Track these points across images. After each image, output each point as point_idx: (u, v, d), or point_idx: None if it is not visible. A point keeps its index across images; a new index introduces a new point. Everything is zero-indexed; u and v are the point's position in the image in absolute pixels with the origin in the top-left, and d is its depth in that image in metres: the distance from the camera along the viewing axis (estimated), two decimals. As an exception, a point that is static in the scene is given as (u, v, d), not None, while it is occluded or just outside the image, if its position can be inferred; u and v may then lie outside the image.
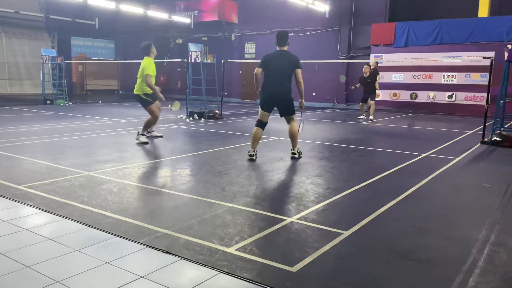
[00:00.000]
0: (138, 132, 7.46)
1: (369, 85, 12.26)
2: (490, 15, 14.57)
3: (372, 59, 15.80)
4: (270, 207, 3.82)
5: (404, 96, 15.69)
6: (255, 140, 6.07)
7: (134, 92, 7.44)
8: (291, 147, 6.27)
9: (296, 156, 6.20)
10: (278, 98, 6.01)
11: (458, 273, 2.58)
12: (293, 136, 6.17)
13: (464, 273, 2.58)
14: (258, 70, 5.95)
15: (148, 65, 7.19)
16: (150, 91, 7.30)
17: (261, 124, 6.07)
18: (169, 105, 9.31)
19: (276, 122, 10.56)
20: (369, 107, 12.39)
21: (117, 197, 4.07)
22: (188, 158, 6.20)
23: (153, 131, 8.06)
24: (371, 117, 12.28)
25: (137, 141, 7.30)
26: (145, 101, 7.39)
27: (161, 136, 8.02)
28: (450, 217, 3.71)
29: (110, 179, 4.74)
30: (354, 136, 8.98)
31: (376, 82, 12.18)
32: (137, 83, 7.37)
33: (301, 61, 6.01)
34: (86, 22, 20.34)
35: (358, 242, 3.07)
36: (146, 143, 7.23)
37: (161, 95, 7.32)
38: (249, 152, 6.07)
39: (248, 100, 20.51)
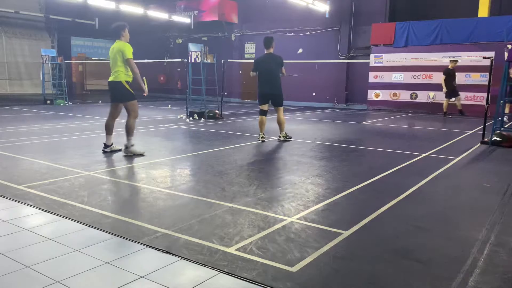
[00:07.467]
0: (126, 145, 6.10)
1: None
2: (490, 15, 14.55)
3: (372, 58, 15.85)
4: (270, 207, 3.82)
5: (404, 96, 15.68)
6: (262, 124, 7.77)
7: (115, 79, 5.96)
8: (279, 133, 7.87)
9: (282, 138, 7.80)
10: (270, 93, 7.69)
11: (458, 273, 2.58)
12: (280, 123, 7.85)
13: (464, 273, 2.58)
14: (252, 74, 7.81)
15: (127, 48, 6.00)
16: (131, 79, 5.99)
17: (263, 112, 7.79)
18: None
19: (275, 122, 10.40)
20: None
21: (117, 197, 4.07)
22: (188, 158, 6.20)
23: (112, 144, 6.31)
24: None
25: (129, 154, 6.03)
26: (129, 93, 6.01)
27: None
28: (450, 217, 3.71)
29: (110, 179, 4.75)
30: (354, 136, 8.98)
31: None
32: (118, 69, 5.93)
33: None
34: (86, 22, 20.34)
35: (358, 242, 3.07)
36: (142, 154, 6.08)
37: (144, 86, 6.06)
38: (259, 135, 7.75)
39: (248, 100, 20.50)
